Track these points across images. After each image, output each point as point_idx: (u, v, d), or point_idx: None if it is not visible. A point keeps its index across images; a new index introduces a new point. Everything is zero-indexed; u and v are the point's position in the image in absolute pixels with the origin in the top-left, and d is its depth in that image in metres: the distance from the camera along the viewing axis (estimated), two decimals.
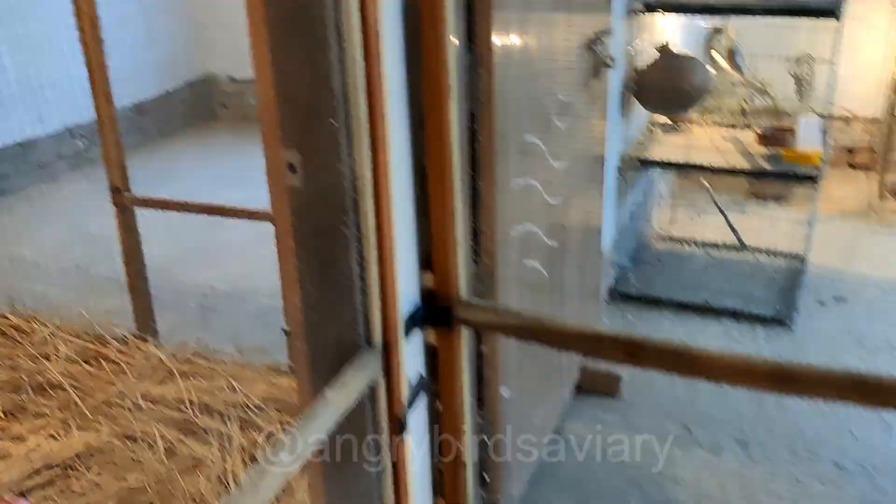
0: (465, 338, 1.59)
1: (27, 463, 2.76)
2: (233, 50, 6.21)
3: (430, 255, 1.56)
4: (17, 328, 3.57)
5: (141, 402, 3.08)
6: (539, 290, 2.42)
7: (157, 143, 6.12)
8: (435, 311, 1.56)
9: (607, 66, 2.73)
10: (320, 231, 1.44)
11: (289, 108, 1.42)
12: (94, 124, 5.16)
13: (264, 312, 3.79)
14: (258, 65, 1.43)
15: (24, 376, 3.21)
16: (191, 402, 3.08)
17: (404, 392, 1.42)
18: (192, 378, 3.26)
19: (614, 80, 3.31)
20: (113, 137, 3.14)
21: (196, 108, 6.56)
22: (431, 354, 1.60)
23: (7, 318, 3.63)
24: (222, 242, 4.52)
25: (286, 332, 2.87)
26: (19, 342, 3.48)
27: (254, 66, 1.45)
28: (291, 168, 1.43)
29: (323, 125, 1.41)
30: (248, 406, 3.06)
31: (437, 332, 1.59)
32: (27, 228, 4.69)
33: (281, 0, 1.29)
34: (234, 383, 3.19)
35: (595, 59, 2.64)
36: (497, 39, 1.86)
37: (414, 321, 1.53)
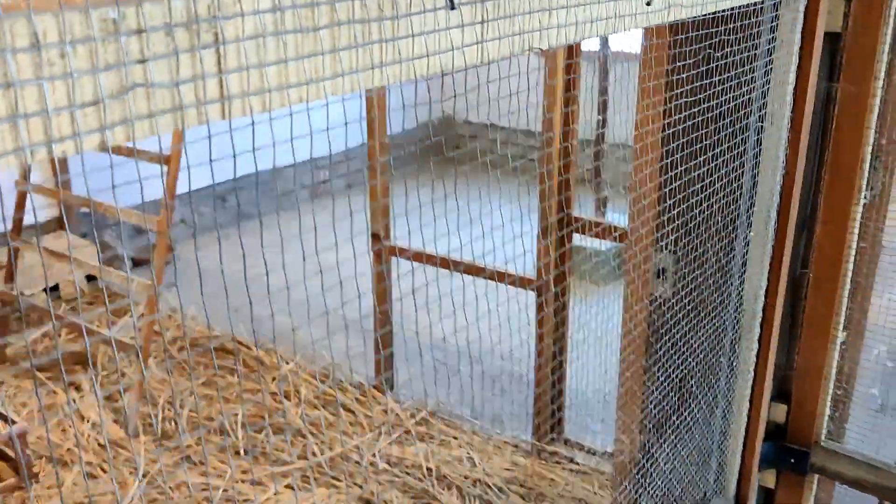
0: (813, 488, 1.27)
1: None
2: (471, 94, 6.16)
3: (786, 385, 1.26)
4: (259, 360, 3.58)
5: (378, 461, 2.95)
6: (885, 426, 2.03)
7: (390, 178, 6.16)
8: (783, 452, 1.25)
9: None
10: (680, 350, 1.17)
11: (673, 205, 1.17)
12: (335, 156, 5.21)
13: (501, 377, 3.58)
14: (644, 150, 1.19)
15: (266, 415, 3.19)
16: (429, 471, 2.91)
17: None
18: (429, 442, 3.10)
19: None
20: (383, 186, 3.06)
21: (431, 147, 6.57)
22: (765, 499, 1.30)
23: (250, 349, 3.65)
24: (458, 293, 4.38)
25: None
26: (262, 376, 3.48)
27: (637, 151, 1.22)
28: (661, 273, 1.18)
29: (716, 231, 1.15)
30: (488, 485, 2.85)
31: (779, 476, 1.27)
32: (270, 255, 4.79)
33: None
34: (474, 456, 2.99)
35: None
36: None
37: (760, 461, 1.23)
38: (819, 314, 1.21)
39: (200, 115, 0.42)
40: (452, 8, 0.54)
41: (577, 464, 2.93)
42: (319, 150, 5.49)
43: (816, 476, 1.28)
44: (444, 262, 3.15)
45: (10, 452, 2.47)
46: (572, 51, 2.57)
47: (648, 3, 0.74)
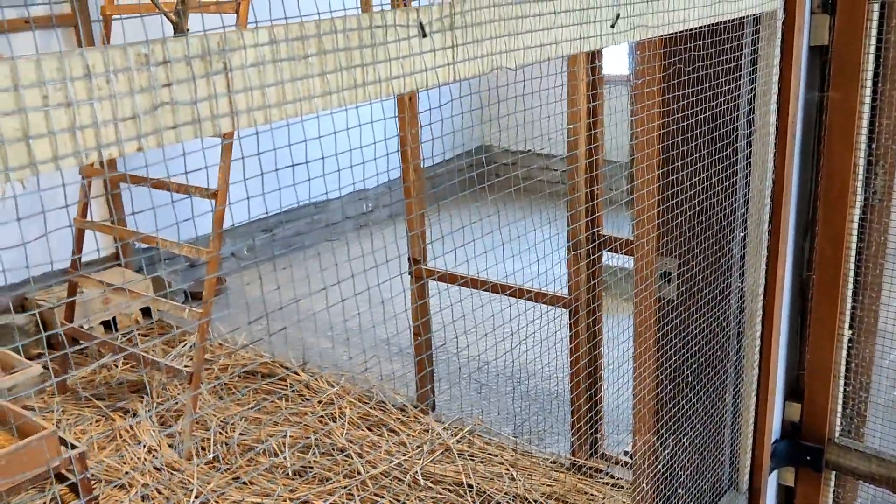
0: (830, 485, 1.32)
1: None
2: (508, 122, 6.29)
3: (799, 384, 1.32)
4: (307, 386, 3.71)
5: (420, 478, 3.03)
6: None
7: (429, 205, 6.31)
8: (799, 450, 1.31)
9: None
10: (690, 349, 1.25)
11: (673, 214, 1.26)
12: (377, 189, 5.36)
13: (540, 397, 3.65)
14: (643, 162, 1.28)
15: (312, 436, 3.30)
16: (469, 487, 2.99)
17: None
18: (470, 459, 3.17)
19: None
20: (419, 211, 3.18)
21: (470, 175, 6.70)
22: (785, 496, 1.35)
23: (298, 375, 3.79)
24: (498, 315, 4.47)
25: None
26: (308, 400, 3.60)
27: (636, 164, 1.31)
28: (665, 276, 1.26)
29: (713, 234, 1.23)
30: (528, 500, 2.91)
31: (798, 473, 1.33)
32: (318, 285, 4.95)
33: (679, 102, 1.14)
34: (514, 472, 3.06)
35: None
36: None
37: (775, 459, 1.29)
38: (824, 314, 1.29)
39: (214, 127, 0.53)
40: (424, 35, 0.65)
41: (615, 478, 2.98)
42: (363, 183, 5.67)
43: (833, 473, 1.35)
44: (481, 284, 3.25)
45: (71, 476, 2.62)
46: (595, 73, 2.68)
47: (613, 25, 0.85)
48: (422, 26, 0.64)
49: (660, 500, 1.27)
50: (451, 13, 0.66)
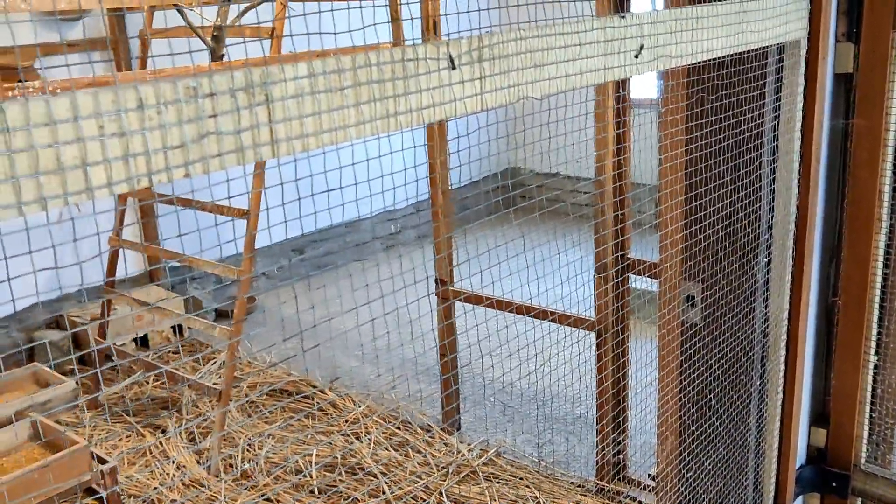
0: None
1: None
2: (536, 145, 6.31)
3: (825, 409, 1.32)
4: (333, 404, 3.74)
5: (445, 499, 3.04)
6: None
7: (454, 229, 6.34)
8: (825, 476, 1.31)
9: None
10: (714, 373, 1.26)
11: (698, 238, 1.27)
12: (406, 209, 5.40)
13: (565, 420, 3.64)
14: (668, 187, 1.30)
15: (338, 455, 3.33)
16: None
17: None
18: (494, 481, 3.18)
19: None
20: (447, 233, 3.22)
21: (499, 198, 6.73)
22: None
23: (325, 393, 3.82)
24: (523, 336, 4.48)
25: None
26: (335, 419, 3.63)
27: (662, 189, 1.32)
28: (690, 300, 1.27)
29: (737, 259, 1.24)
30: None
31: (823, 500, 1.33)
32: (347, 304, 5.00)
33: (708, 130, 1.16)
34: (539, 496, 3.05)
35: None
36: None
37: (800, 485, 1.28)
38: (850, 340, 1.29)
39: (256, 154, 0.57)
40: (454, 68, 0.68)
41: (639, 501, 2.96)
42: (392, 204, 5.72)
43: (860, 500, 1.34)
44: (507, 305, 3.27)
45: (100, 490, 2.66)
46: (622, 101, 2.70)
47: (637, 56, 0.87)
48: (451, 59, 0.67)
49: None
50: (480, 46, 0.69)
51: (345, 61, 0.60)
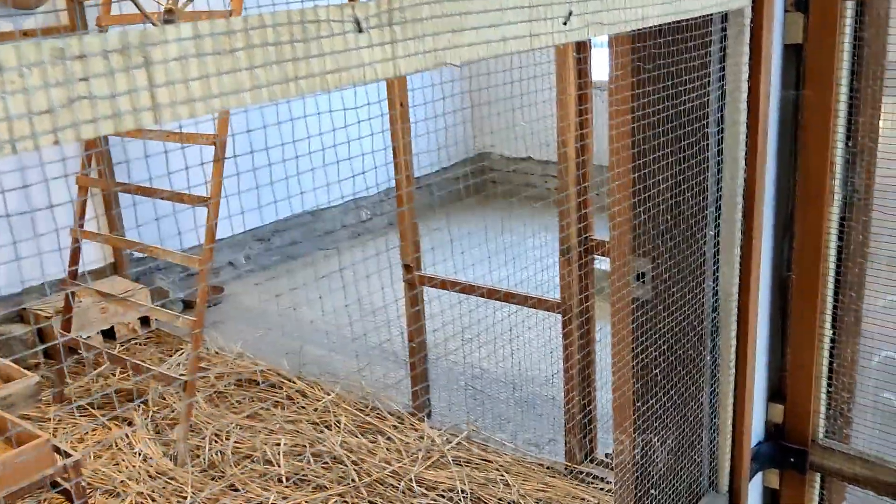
0: (815, 487, 1.32)
1: None
2: (506, 130, 6.29)
3: (781, 385, 1.32)
4: (302, 393, 3.71)
5: (415, 485, 3.02)
6: None
7: (426, 215, 6.31)
8: (783, 452, 1.30)
9: None
10: (665, 350, 1.24)
11: (646, 214, 1.25)
12: (375, 196, 5.35)
13: (535, 403, 3.63)
14: (617, 164, 1.28)
15: (306, 444, 3.30)
16: (463, 493, 2.98)
17: None
18: (465, 465, 3.16)
19: None
20: (411, 219, 3.19)
21: (467, 184, 6.70)
22: (771, 499, 1.34)
23: (294, 382, 3.78)
24: (493, 321, 4.46)
25: None
26: (303, 408, 3.60)
27: (610, 166, 1.30)
28: (640, 278, 1.26)
29: (685, 234, 1.23)
30: None
31: (782, 476, 1.32)
32: (313, 293, 4.96)
33: (654, 104, 1.14)
34: (508, 479, 3.04)
35: None
36: (880, 136, 1.59)
37: (758, 461, 1.28)
38: (804, 314, 1.29)
39: (137, 121, 0.53)
40: (360, 31, 0.65)
41: (609, 482, 2.96)
42: (360, 192, 5.67)
43: (818, 475, 1.34)
44: (474, 289, 3.25)
45: (66, 484, 2.62)
46: (583, 75, 2.68)
47: (565, 23, 0.84)
48: (357, 21, 0.64)
49: (634, 500, 1.26)
50: (389, 8, 0.66)
51: (235, 22, 0.57)
